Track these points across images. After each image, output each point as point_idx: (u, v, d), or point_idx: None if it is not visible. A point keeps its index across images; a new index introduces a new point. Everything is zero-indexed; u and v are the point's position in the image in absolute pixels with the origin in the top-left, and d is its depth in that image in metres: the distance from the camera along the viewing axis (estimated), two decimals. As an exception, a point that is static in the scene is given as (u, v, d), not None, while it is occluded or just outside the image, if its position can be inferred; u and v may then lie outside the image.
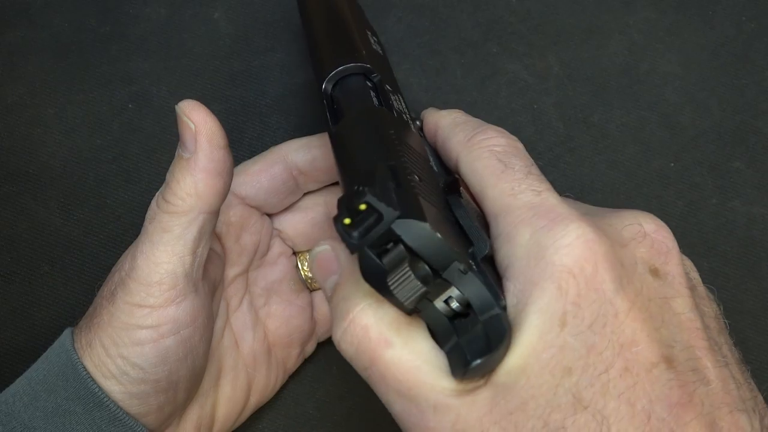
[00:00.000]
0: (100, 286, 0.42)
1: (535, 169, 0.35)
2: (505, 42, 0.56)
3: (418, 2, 0.56)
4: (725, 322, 0.35)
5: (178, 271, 0.39)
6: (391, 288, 0.30)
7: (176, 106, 0.40)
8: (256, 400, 0.46)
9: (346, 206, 0.30)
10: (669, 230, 0.34)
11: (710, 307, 0.34)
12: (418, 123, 0.42)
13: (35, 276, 0.51)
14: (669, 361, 0.30)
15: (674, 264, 0.33)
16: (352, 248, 0.30)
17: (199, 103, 0.39)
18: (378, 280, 0.30)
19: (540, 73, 0.55)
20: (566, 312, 0.30)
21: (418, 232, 0.30)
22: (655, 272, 0.32)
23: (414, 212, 0.30)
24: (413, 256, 0.30)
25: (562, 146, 0.54)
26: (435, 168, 0.38)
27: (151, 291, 0.39)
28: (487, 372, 0.30)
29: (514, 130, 0.54)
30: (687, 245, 0.52)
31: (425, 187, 0.33)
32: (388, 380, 0.31)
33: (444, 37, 0.55)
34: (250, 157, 0.46)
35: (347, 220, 0.29)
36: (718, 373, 0.31)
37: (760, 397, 0.33)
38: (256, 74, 0.55)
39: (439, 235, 0.30)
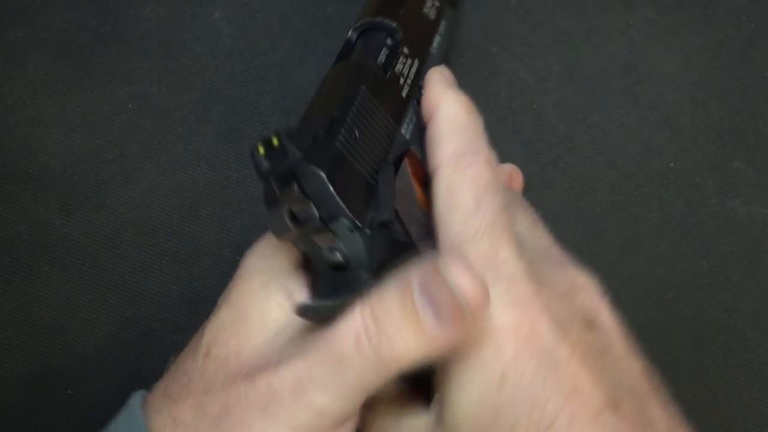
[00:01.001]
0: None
1: (503, 216, 0.34)
2: (505, 42, 0.56)
3: (418, 2, 0.56)
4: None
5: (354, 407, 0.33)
6: (270, 217, 0.32)
7: (443, 265, 0.30)
8: None
9: (265, 138, 0.33)
10: (598, 284, 0.35)
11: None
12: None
13: (35, 276, 0.51)
14: (615, 405, 0.30)
15: (607, 315, 0.34)
16: (258, 175, 0.33)
17: (473, 273, 0.31)
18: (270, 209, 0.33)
19: (540, 73, 0.55)
20: (505, 370, 0.30)
21: (313, 178, 0.32)
22: (591, 323, 0.33)
23: (317, 160, 0.32)
24: (307, 198, 0.32)
25: (562, 146, 0.54)
26: (405, 135, 0.39)
27: (319, 421, 0.32)
28: (318, 317, 0.32)
29: (514, 130, 0.54)
30: (687, 245, 0.52)
31: (362, 147, 0.35)
32: None
33: (444, 37, 0.56)
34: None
35: (261, 149, 0.32)
36: (662, 413, 0.31)
37: None
38: (256, 74, 0.55)
39: (331, 187, 0.32)
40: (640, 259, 0.51)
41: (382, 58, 0.40)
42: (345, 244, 0.33)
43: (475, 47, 0.55)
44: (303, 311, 0.33)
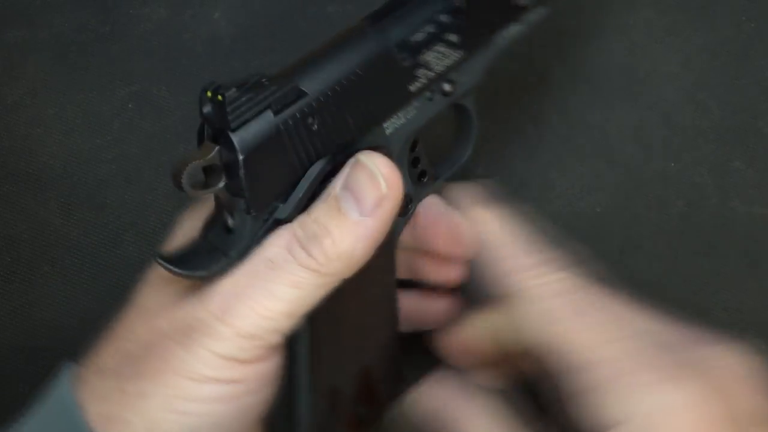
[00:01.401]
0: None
1: (606, 300, 0.34)
2: (505, 42, 0.56)
3: (418, 2, 0.56)
4: None
5: (282, 328, 0.34)
6: (189, 157, 0.33)
7: (364, 157, 0.34)
8: None
9: (216, 87, 0.32)
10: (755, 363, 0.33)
11: None
12: (446, 87, 0.38)
13: (35, 276, 0.51)
14: None
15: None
16: (199, 112, 0.33)
17: (393, 164, 0.35)
18: None
19: (540, 73, 0.55)
20: None
21: (231, 153, 0.32)
22: (761, 418, 0.32)
23: (243, 139, 0.32)
24: (220, 163, 0.33)
25: (562, 146, 0.54)
26: (388, 129, 0.37)
27: (245, 344, 0.33)
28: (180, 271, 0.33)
29: (514, 129, 0.54)
30: (687, 245, 0.52)
31: (312, 136, 0.34)
32: None
33: (444, 37, 0.55)
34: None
35: (209, 93, 0.32)
36: None
37: None
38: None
39: (242, 171, 0.33)
40: (640, 259, 0.51)
41: (419, 36, 0.37)
42: (236, 219, 0.34)
43: (475, 47, 0.55)
44: (168, 259, 0.33)
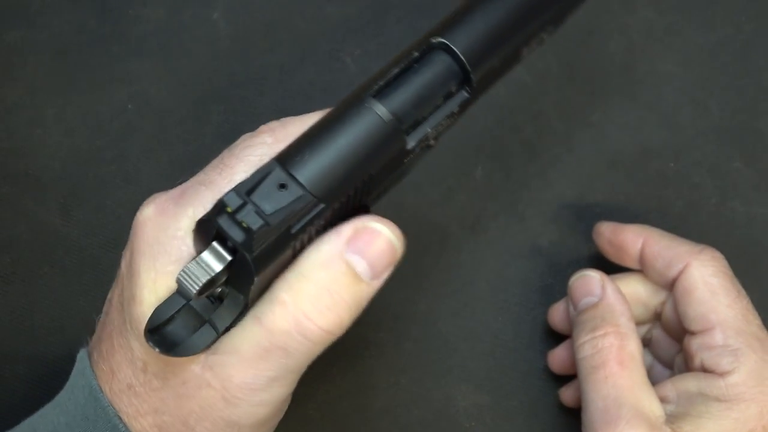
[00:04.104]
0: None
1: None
2: (504, 42, 0.56)
3: (418, 2, 0.56)
4: None
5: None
6: (191, 267, 0.31)
7: (375, 224, 0.34)
8: None
9: (239, 193, 0.31)
10: None
11: None
12: (431, 143, 0.36)
13: (35, 277, 0.51)
14: None
15: None
16: (212, 211, 0.32)
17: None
18: None
19: (540, 73, 0.55)
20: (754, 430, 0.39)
21: (244, 276, 0.32)
22: None
23: (257, 260, 0.31)
24: (225, 275, 0.32)
25: (562, 146, 0.54)
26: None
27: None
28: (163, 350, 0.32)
29: (514, 130, 0.54)
30: (687, 245, 0.52)
31: (319, 228, 0.33)
32: None
33: (444, 37, 0.55)
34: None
35: (229, 209, 0.31)
36: None
37: None
38: (255, 74, 0.55)
39: (253, 288, 0.32)
40: (640, 259, 0.51)
41: (425, 113, 0.35)
42: (227, 297, 0.33)
43: (474, 47, 0.55)
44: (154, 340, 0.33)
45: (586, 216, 0.52)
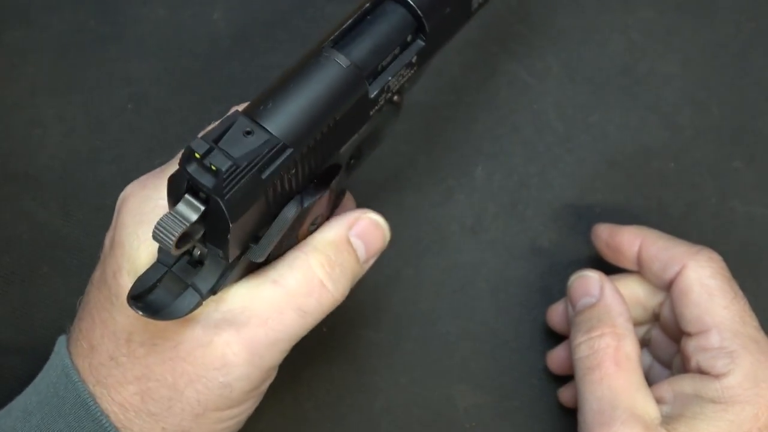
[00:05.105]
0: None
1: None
2: (505, 42, 0.56)
3: (418, 2, 0.56)
4: None
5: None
6: (167, 217, 0.32)
7: (375, 216, 0.40)
8: None
9: (205, 151, 0.31)
10: None
11: None
12: (396, 98, 0.39)
13: (35, 277, 0.51)
14: None
15: None
16: (182, 160, 0.32)
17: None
18: None
19: (540, 73, 0.55)
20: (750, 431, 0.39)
21: (220, 222, 0.32)
22: None
23: (233, 209, 0.32)
24: (202, 225, 0.33)
25: (562, 146, 0.54)
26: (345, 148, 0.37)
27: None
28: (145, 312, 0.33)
29: (514, 130, 0.54)
30: (687, 245, 0.52)
31: (290, 179, 0.34)
32: None
33: (444, 37, 0.56)
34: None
35: (197, 155, 0.31)
36: None
37: None
38: (255, 74, 0.55)
39: (229, 235, 0.32)
40: (640, 260, 0.51)
41: (385, 62, 0.36)
42: (207, 258, 0.34)
43: (475, 47, 0.55)
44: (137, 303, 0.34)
45: (586, 216, 0.52)
